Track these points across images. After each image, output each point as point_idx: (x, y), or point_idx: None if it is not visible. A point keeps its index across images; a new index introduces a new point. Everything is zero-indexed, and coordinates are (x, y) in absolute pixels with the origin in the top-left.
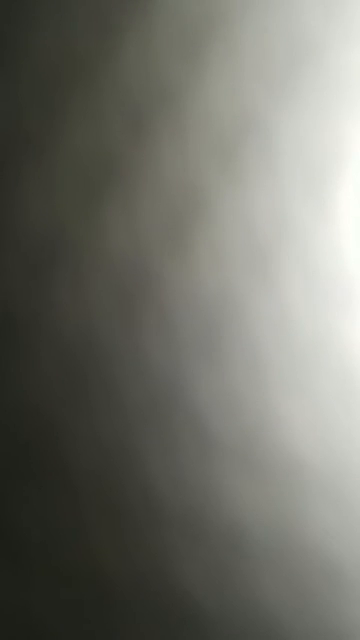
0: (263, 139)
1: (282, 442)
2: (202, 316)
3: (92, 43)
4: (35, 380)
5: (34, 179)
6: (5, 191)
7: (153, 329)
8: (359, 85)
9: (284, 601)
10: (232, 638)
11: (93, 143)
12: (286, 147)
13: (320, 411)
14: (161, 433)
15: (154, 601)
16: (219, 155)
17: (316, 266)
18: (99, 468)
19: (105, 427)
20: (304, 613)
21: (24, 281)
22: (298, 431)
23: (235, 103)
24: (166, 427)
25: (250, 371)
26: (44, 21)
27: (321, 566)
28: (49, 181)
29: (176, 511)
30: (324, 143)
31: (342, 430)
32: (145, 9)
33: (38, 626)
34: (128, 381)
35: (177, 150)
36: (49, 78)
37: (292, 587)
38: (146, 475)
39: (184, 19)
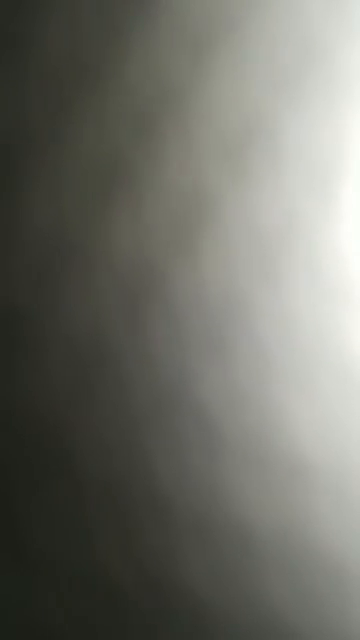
0: (268, 139)
1: (287, 441)
2: (207, 315)
3: (98, 45)
4: (41, 381)
5: (39, 180)
6: (11, 193)
7: (159, 329)
8: None
9: (289, 600)
10: (237, 637)
11: (98, 144)
12: (291, 147)
13: (324, 409)
14: (166, 432)
15: (159, 600)
16: (224, 156)
17: (320, 265)
18: (104, 467)
19: (110, 426)
20: (309, 612)
21: (30, 282)
22: (303, 430)
23: (240, 104)
24: (171, 426)
25: (255, 370)
26: (49, 23)
27: (326, 566)
28: (54, 182)
29: (181, 510)
30: (328, 143)
31: (346, 429)
32: (150, 11)
33: (42, 625)
34: (134, 381)
35: (182, 151)
36: (54, 80)
37: (297, 586)
38: (151, 474)
39: (189, 21)
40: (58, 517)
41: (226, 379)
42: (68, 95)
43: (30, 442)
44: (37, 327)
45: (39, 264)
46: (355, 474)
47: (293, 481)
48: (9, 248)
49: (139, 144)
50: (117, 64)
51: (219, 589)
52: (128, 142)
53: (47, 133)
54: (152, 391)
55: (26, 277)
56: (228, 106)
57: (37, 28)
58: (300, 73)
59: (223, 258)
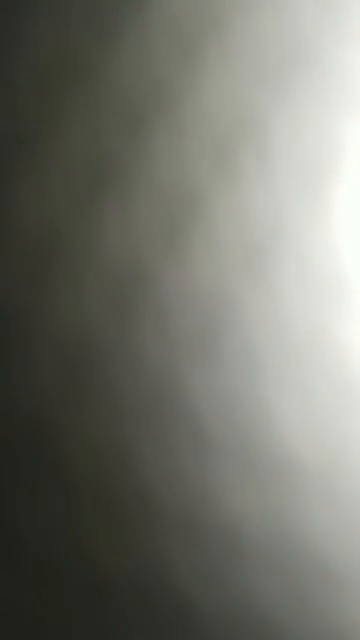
0: (258, 139)
1: (278, 441)
2: (198, 315)
3: (88, 44)
4: (30, 381)
5: (30, 181)
6: (0, 193)
7: (149, 329)
8: (354, 85)
9: (280, 602)
10: (226, 637)
11: (89, 144)
12: (281, 147)
13: (315, 410)
14: (157, 433)
15: (150, 601)
16: (215, 155)
17: (311, 265)
18: (94, 467)
19: (100, 426)
20: (300, 613)
21: (19, 283)
22: (294, 430)
23: (231, 103)
24: (162, 427)
25: (246, 370)
26: (41, 21)
27: (317, 566)
28: (45, 182)
29: (172, 511)
30: (319, 143)
31: (337, 429)
32: (141, 10)
33: (33, 626)
34: (124, 381)
35: (173, 150)
36: (45, 79)
37: (288, 587)
38: (142, 475)
39: (180, 20)
40: (48, 517)
41: (216, 379)
42: (58, 94)
43: (19, 442)
44: (26, 327)
45: (28, 263)
46: (346, 475)
47: (283, 482)
48: None
49: (129, 143)
50: (108, 63)
51: (208, 589)
52: (118, 141)
53: (37, 132)
54: (142, 391)
55: (15, 276)
56: (219, 105)
57: (28, 28)
58: (292, 73)
59: (213, 257)
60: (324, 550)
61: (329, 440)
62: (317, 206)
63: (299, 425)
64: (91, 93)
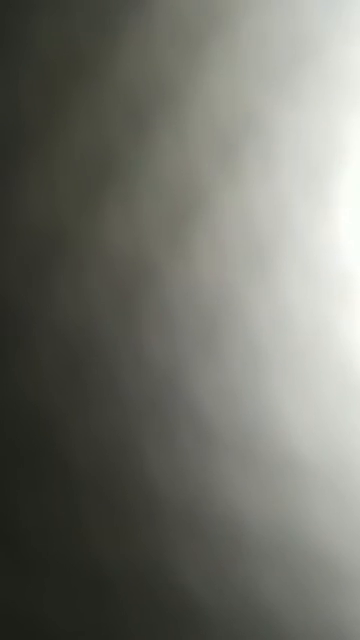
0: (263, 136)
1: (280, 437)
2: (201, 312)
3: (92, 40)
4: (33, 376)
5: (34, 176)
6: (5, 188)
7: (152, 325)
8: (359, 83)
9: (282, 597)
10: (230, 634)
11: (93, 140)
12: (286, 144)
13: (318, 406)
14: (160, 428)
15: (152, 597)
16: (219, 152)
17: (315, 262)
18: (97, 464)
19: (103, 422)
20: (302, 609)
21: (23, 278)
22: (296, 426)
23: (235, 100)
24: (165, 422)
25: (249, 367)
26: (44, 18)
27: (319, 562)
28: (49, 178)
29: (174, 506)
30: (324, 141)
31: (340, 426)
32: (145, 7)
33: (36, 624)
34: (127, 376)
35: (177, 147)
36: (49, 75)
37: (290, 583)
38: (144, 470)
39: (184, 17)
40: (50, 513)
41: (219, 376)
42: (63, 92)
43: (21, 438)
44: (29, 322)
45: (31, 259)
46: (349, 472)
47: (286, 478)
48: (2, 244)
49: (133, 140)
50: (112, 60)
51: (212, 586)
52: (123, 138)
53: (40, 128)
54: (145, 387)
55: (18, 272)
56: (223, 102)
57: (32, 25)
58: (296, 71)
59: (217, 254)
60: (326, 547)
61: (332, 437)
62: (321, 204)
63: (302, 422)
64: (95, 91)
